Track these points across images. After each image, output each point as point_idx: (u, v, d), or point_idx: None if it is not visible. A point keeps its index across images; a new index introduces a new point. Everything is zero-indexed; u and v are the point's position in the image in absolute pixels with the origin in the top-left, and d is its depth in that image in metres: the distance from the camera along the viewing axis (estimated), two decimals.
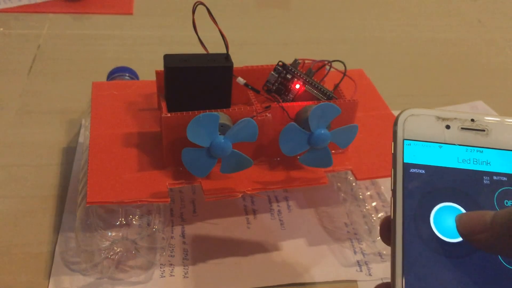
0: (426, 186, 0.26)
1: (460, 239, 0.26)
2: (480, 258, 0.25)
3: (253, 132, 0.38)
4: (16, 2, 0.78)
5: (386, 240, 0.28)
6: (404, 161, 0.27)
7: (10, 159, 0.51)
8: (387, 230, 0.27)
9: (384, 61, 0.74)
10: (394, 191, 0.27)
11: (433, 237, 0.26)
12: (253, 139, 0.39)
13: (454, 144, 0.27)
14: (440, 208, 0.26)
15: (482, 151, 0.27)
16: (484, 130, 0.27)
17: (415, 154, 0.27)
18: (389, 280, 0.43)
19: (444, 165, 0.27)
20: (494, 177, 0.27)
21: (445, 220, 0.26)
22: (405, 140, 0.27)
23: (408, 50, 0.77)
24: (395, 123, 0.28)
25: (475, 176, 0.27)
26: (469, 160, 0.27)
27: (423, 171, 0.27)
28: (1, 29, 0.72)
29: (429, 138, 0.27)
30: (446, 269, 0.25)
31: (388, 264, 0.44)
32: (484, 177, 0.27)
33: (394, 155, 0.27)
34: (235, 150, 0.38)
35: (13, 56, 0.67)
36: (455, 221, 0.26)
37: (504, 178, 0.27)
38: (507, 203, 0.26)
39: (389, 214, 0.45)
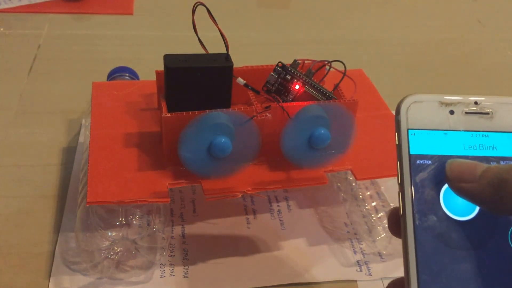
0: (434, 178, 0.26)
1: (473, 215, 0.25)
2: (495, 246, 0.25)
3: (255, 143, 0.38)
4: (16, 2, 0.78)
5: (394, 232, 0.27)
6: (410, 153, 0.26)
7: (10, 159, 0.51)
8: (395, 222, 0.27)
9: (384, 61, 0.74)
10: (401, 185, 0.26)
11: (445, 227, 0.25)
12: (240, 124, 0.38)
13: (459, 130, 0.27)
14: (449, 199, 0.26)
15: (488, 135, 0.27)
16: (488, 113, 0.27)
17: (421, 144, 0.26)
18: (389, 279, 0.44)
19: (451, 153, 0.26)
20: (501, 162, 0.26)
21: (456, 201, 0.26)
22: (409, 130, 0.26)
23: (408, 50, 0.77)
24: (397, 112, 0.27)
25: (482, 162, 0.26)
26: (475, 146, 0.26)
27: (430, 162, 0.26)
28: (1, 29, 0.72)
29: (433, 125, 0.27)
30: (461, 264, 0.25)
31: (388, 264, 0.44)
32: (491, 162, 0.26)
33: (399, 147, 0.26)
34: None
35: (13, 56, 0.67)
36: (446, 165, 0.25)
37: (511, 162, 0.26)
38: None
39: (390, 208, 0.45)
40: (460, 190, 0.25)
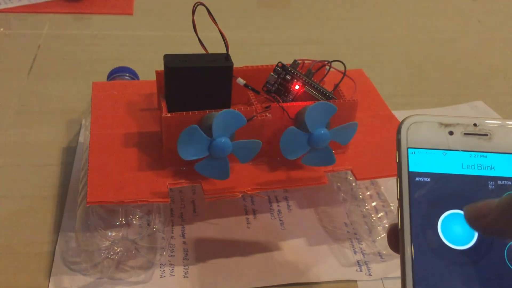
0: (432, 195, 0.27)
1: (469, 245, 0.26)
2: (489, 265, 0.25)
3: (237, 119, 0.38)
4: (16, 2, 0.78)
5: (394, 247, 0.28)
6: (409, 170, 0.27)
7: (10, 159, 0.51)
8: (394, 238, 0.27)
9: (384, 61, 0.74)
10: (400, 201, 0.27)
11: (442, 245, 0.26)
12: (240, 124, 0.38)
13: (458, 150, 0.27)
14: (447, 216, 0.26)
15: (486, 156, 0.27)
16: (487, 135, 0.27)
17: (420, 162, 0.27)
18: (389, 279, 0.44)
19: (449, 172, 0.27)
20: (499, 182, 0.27)
21: (452, 228, 0.26)
22: (409, 149, 0.27)
23: (408, 50, 0.77)
24: (398, 132, 0.28)
25: (480, 181, 0.27)
26: (474, 165, 0.27)
27: (428, 179, 0.27)
28: (1, 29, 0.72)
29: (433, 145, 0.27)
30: (456, 278, 0.25)
31: (388, 264, 0.44)
32: (489, 182, 0.27)
33: (399, 164, 0.27)
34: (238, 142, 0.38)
35: (13, 56, 0.67)
36: (463, 211, 0.26)
37: (509, 182, 0.27)
38: None
39: (388, 217, 0.45)
40: (481, 227, 0.25)
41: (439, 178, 0.27)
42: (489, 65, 0.75)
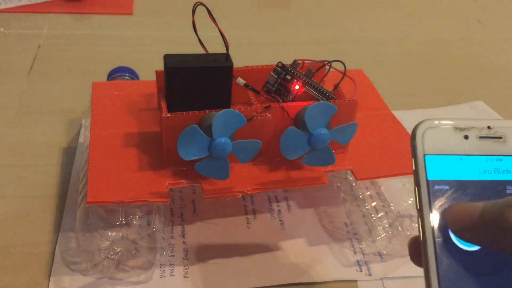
0: (452, 203, 0.26)
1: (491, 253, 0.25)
2: None
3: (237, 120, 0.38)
4: (16, 2, 0.78)
5: (416, 261, 0.27)
6: (428, 179, 0.26)
7: (10, 159, 0.51)
8: (416, 251, 0.26)
9: (384, 61, 0.74)
10: (420, 211, 0.26)
11: (466, 255, 0.25)
12: (240, 124, 0.38)
13: (474, 155, 0.27)
14: None
15: (502, 159, 0.27)
16: (501, 137, 0.27)
17: (438, 170, 0.26)
18: (389, 279, 0.44)
19: (467, 178, 0.26)
20: None
21: None
22: (426, 156, 0.26)
23: (408, 50, 0.77)
24: (413, 138, 0.27)
25: (498, 186, 0.26)
26: (490, 170, 0.26)
27: (447, 187, 0.26)
28: (1, 29, 0.72)
29: (449, 151, 0.27)
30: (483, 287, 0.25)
31: (388, 264, 0.44)
32: (507, 186, 0.26)
33: (416, 172, 0.26)
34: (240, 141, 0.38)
35: (13, 56, 0.67)
36: (446, 214, 0.25)
37: None
38: None
39: (388, 217, 0.45)
40: (466, 239, 0.25)
41: (458, 185, 0.26)
42: (489, 65, 0.75)
